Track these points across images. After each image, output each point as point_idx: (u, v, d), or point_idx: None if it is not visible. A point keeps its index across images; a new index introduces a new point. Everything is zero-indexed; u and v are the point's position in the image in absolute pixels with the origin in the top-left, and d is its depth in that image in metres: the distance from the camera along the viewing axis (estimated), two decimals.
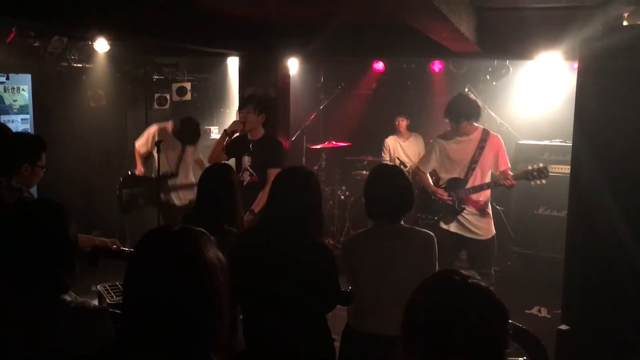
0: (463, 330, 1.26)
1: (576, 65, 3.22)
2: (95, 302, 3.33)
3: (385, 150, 7.10)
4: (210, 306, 1.37)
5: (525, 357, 2.66)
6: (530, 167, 4.34)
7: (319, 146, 7.11)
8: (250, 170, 4.38)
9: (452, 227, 4.35)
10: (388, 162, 6.86)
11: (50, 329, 1.73)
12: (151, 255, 1.40)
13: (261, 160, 4.33)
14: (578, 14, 4.05)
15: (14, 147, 3.08)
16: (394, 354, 1.38)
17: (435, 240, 2.69)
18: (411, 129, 7.05)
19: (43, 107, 6.29)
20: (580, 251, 3.00)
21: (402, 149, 7.04)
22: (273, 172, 3.87)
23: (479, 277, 1.36)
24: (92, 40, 5.85)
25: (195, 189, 5.46)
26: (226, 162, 4.16)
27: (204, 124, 7.44)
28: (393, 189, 2.72)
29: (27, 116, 6.25)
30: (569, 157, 3.19)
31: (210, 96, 7.83)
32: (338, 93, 7.48)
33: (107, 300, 3.42)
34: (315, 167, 7.07)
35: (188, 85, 7.24)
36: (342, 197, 7.12)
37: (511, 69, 6.55)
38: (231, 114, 7.33)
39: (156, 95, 7.19)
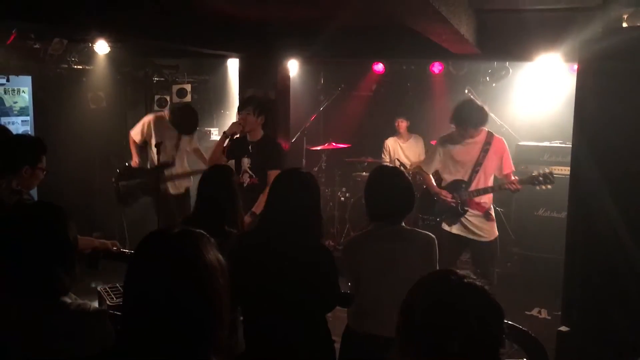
0: (461, 330, 1.26)
1: (576, 66, 3.23)
2: (95, 304, 3.34)
3: (385, 151, 7.10)
4: (210, 308, 1.37)
5: (525, 359, 2.66)
6: (535, 172, 4.33)
7: (319, 148, 7.11)
8: (250, 172, 4.38)
9: (454, 229, 4.34)
10: (388, 164, 6.87)
11: (50, 331, 1.73)
12: (151, 257, 1.40)
13: (261, 162, 4.33)
14: (577, 15, 4.06)
15: (14, 149, 3.08)
16: (389, 355, 1.38)
17: (436, 241, 2.69)
18: (411, 130, 7.06)
19: (43, 109, 6.29)
20: (580, 252, 3.00)
21: (402, 150, 7.04)
22: (273, 174, 3.87)
23: (475, 277, 1.37)
24: (93, 42, 5.86)
25: (191, 177, 5.54)
26: (225, 163, 4.16)
27: (204, 125, 7.45)
28: (394, 190, 2.72)
29: (28, 118, 6.26)
30: (569, 159, 3.19)
31: (210, 98, 7.84)
32: (338, 95, 7.49)
33: (108, 302, 3.42)
34: (316, 169, 7.08)
35: (188, 87, 7.25)
36: (342, 198, 7.13)
37: (511, 70, 6.56)
38: (231, 115, 7.33)
39: (156, 97, 7.19)
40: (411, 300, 1.35)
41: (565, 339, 2.99)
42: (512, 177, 4.30)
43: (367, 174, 6.69)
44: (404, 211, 2.75)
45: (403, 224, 2.76)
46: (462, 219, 4.32)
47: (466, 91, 6.80)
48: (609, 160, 2.86)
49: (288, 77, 6.03)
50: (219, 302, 1.38)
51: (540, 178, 4.26)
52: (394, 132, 7.10)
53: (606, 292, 2.90)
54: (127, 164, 5.57)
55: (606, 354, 2.75)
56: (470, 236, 4.31)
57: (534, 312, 5.11)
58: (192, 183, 5.64)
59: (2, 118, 5.95)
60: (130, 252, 3.00)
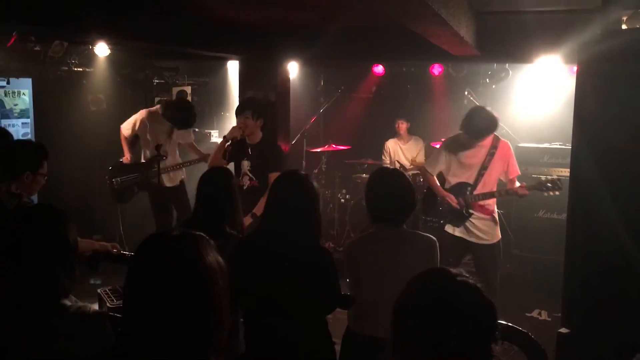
0: (455, 328, 1.27)
1: (575, 68, 3.23)
2: (96, 306, 3.34)
3: (385, 153, 7.11)
4: (210, 309, 1.37)
5: None
6: (544, 178, 4.33)
7: (319, 149, 7.11)
8: (250, 175, 4.38)
9: (457, 232, 4.32)
10: (388, 166, 6.87)
11: (50, 333, 1.74)
12: (151, 259, 1.40)
13: (261, 165, 4.33)
14: (577, 17, 4.06)
15: (16, 154, 3.09)
16: (384, 355, 1.38)
17: (437, 244, 2.69)
18: (411, 132, 7.06)
19: (44, 111, 6.30)
20: (580, 254, 3.01)
21: (402, 151, 7.05)
22: (273, 176, 3.86)
23: (467, 275, 1.37)
24: (93, 44, 5.87)
25: (184, 169, 5.54)
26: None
27: (204, 127, 7.46)
28: (395, 192, 2.71)
29: (28, 120, 6.26)
30: (568, 160, 3.20)
31: (210, 100, 7.84)
32: (338, 96, 7.50)
33: (108, 304, 3.42)
34: (316, 171, 7.08)
35: (188, 89, 7.25)
36: (342, 200, 7.13)
37: (511, 72, 6.57)
38: (231, 117, 7.33)
39: (156, 99, 7.20)
40: (405, 299, 1.36)
41: (565, 340, 2.99)
42: (517, 182, 4.30)
43: (367, 176, 6.74)
44: (405, 213, 2.74)
45: (404, 226, 2.76)
46: (466, 222, 4.31)
47: (466, 93, 6.81)
48: (608, 162, 2.86)
49: (288, 79, 6.04)
50: (218, 303, 1.39)
51: (549, 184, 4.25)
52: (394, 134, 7.10)
53: (606, 294, 2.90)
54: (120, 160, 5.57)
55: (606, 355, 2.75)
56: (473, 239, 4.29)
57: (534, 313, 5.11)
58: (186, 175, 5.68)
59: (2, 120, 5.96)
60: (130, 255, 3.00)
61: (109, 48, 5.96)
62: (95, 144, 6.43)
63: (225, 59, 6.85)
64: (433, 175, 4.45)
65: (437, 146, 5.36)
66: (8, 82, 5.97)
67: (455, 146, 4.34)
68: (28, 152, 3.10)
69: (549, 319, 4.96)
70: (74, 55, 6.24)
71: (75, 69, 6.40)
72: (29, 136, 6.18)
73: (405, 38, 4.35)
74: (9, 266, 1.78)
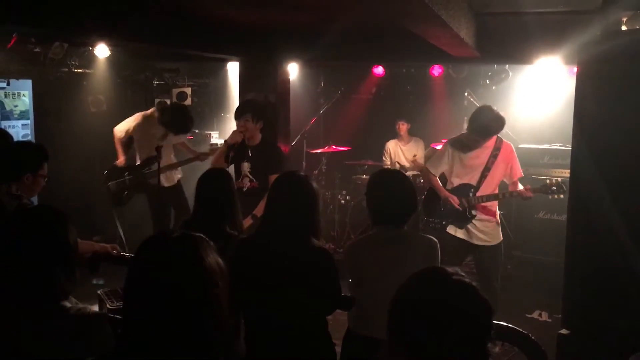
0: (452, 326, 1.27)
1: (575, 69, 3.23)
2: (96, 308, 3.34)
3: (386, 154, 7.11)
4: (210, 311, 1.37)
5: None
6: (548, 182, 4.32)
7: (319, 151, 7.11)
8: (250, 177, 4.38)
9: (459, 233, 4.30)
10: (389, 167, 6.87)
11: (50, 334, 1.73)
12: (151, 260, 1.41)
13: (261, 166, 4.33)
14: (577, 18, 4.06)
15: (16, 156, 3.09)
16: (379, 356, 1.38)
17: (438, 245, 2.69)
18: (411, 133, 7.07)
19: (44, 112, 6.30)
20: (580, 255, 3.00)
21: (402, 152, 7.05)
22: (274, 178, 3.87)
23: (463, 274, 1.37)
24: (93, 45, 5.87)
25: (180, 169, 5.53)
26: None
27: (204, 128, 7.46)
28: (396, 194, 2.71)
29: (28, 122, 6.27)
30: (569, 161, 3.20)
31: (210, 101, 7.85)
32: (338, 98, 7.50)
33: (108, 306, 3.42)
34: (316, 172, 7.08)
35: (188, 90, 7.25)
36: (343, 201, 7.12)
37: (511, 73, 6.57)
38: (232, 119, 7.35)
39: (156, 101, 7.19)
40: (401, 298, 1.36)
41: (565, 341, 2.99)
42: (519, 185, 4.30)
43: (367, 177, 6.74)
44: (407, 215, 2.74)
45: (405, 227, 2.76)
46: (468, 224, 4.29)
47: (466, 94, 6.81)
48: (608, 163, 2.86)
49: (288, 80, 6.04)
50: (218, 305, 1.39)
51: (554, 187, 4.24)
52: (395, 135, 7.10)
53: (607, 295, 2.90)
54: (115, 164, 5.56)
55: (607, 356, 2.75)
56: (475, 241, 4.28)
57: (535, 314, 5.10)
58: (182, 175, 5.69)
59: (2, 122, 5.96)
60: (130, 256, 3.00)
61: (109, 49, 5.96)
62: (95, 145, 6.44)
63: (226, 60, 6.85)
64: (436, 176, 4.43)
65: (438, 147, 5.37)
66: (8, 84, 5.98)
67: (459, 147, 4.32)
68: (28, 154, 3.10)
69: (550, 320, 4.96)
70: (74, 56, 6.25)
71: (76, 70, 6.41)
72: (29, 137, 6.18)
73: (405, 39, 4.36)
74: (8, 267, 1.78)
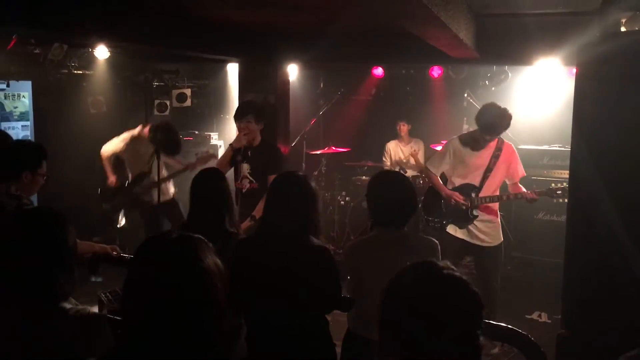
0: (445, 321, 1.27)
1: (574, 70, 3.24)
2: (95, 309, 3.34)
3: (386, 154, 7.11)
4: (209, 311, 1.37)
5: None
6: (553, 185, 4.32)
7: (318, 152, 7.12)
8: (250, 178, 4.38)
9: (459, 233, 4.29)
10: (389, 167, 6.88)
11: (49, 336, 1.73)
12: (150, 262, 1.41)
13: (261, 167, 4.33)
14: (576, 19, 4.06)
15: (15, 154, 3.09)
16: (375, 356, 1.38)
17: (439, 246, 2.69)
18: (411, 134, 7.07)
19: (43, 113, 6.30)
20: (580, 255, 3.00)
21: (403, 153, 7.05)
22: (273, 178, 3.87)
23: (454, 268, 1.37)
24: (92, 47, 5.87)
25: (171, 181, 5.50)
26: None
27: (204, 129, 7.47)
28: (397, 196, 2.71)
29: (28, 123, 6.27)
30: (568, 162, 3.20)
31: (210, 102, 7.85)
32: (338, 99, 7.51)
33: (107, 307, 3.42)
34: (315, 173, 7.08)
35: (188, 92, 7.26)
36: (342, 202, 7.13)
37: (510, 74, 6.58)
38: (231, 120, 7.36)
39: (156, 102, 7.21)
40: (392, 294, 1.36)
41: (565, 342, 2.99)
42: (520, 186, 4.30)
43: (367, 178, 6.75)
44: (407, 216, 2.74)
45: (406, 228, 2.76)
46: (470, 225, 4.28)
47: (465, 95, 6.82)
48: (608, 163, 2.86)
49: (288, 82, 6.04)
50: (217, 306, 1.39)
51: (559, 192, 4.25)
52: (394, 136, 7.11)
53: (606, 295, 2.90)
54: (106, 185, 5.52)
55: (606, 357, 2.75)
56: (475, 241, 4.27)
57: (534, 315, 5.10)
58: (176, 189, 5.63)
59: (2, 123, 5.97)
60: (130, 257, 3.00)
61: (109, 51, 5.96)
62: (95, 147, 6.42)
63: (225, 62, 6.86)
64: (437, 175, 4.41)
65: (439, 147, 5.36)
66: (8, 85, 5.98)
67: (462, 147, 4.30)
68: (27, 152, 3.09)
69: (549, 321, 4.96)
70: (73, 58, 6.26)
71: (75, 71, 6.42)
72: (29, 139, 6.18)
73: (404, 40, 4.36)
74: (8, 268, 1.78)
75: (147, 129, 5.35)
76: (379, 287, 2.62)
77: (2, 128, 5.68)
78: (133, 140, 5.43)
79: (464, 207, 4.24)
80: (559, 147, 6.06)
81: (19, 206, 2.90)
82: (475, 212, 4.25)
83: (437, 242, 2.71)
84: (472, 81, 6.98)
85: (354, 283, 2.76)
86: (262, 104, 5.28)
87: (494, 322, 2.56)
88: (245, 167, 4.41)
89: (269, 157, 4.36)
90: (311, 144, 7.28)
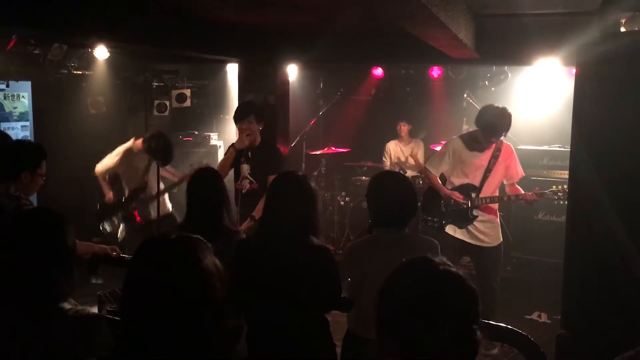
0: (442, 317, 1.27)
1: (574, 70, 3.24)
2: (95, 309, 3.34)
3: (386, 154, 7.11)
4: (208, 312, 1.37)
5: None
6: (554, 187, 4.32)
7: (318, 152, 7.12)
8: (250, 178, 4.37)
9: (458, 233, 4.29)
10: (389, 167, 6.88)
11: (48, 336, 1.73)
12: (150, 262, 1.41)
13: (261, 168, 4.32)
14: (575, 20, 4.06)
15: (14, 154, 3.09)
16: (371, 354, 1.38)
17: (439, 247, 2.69)
18: (411, 134, 7.07)
19: (43, 114, 6.30)
20: (579, 256, 3.00)
21: (402, 153, 7.05)
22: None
23: (450, 264, 1.37)
24: (92, 47, 5.87)
25: (167, 197, 5.46)
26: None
27: (203, 130, 7.47)
28: (398, 196, 2.70)
29: (27, 123, 6.27)
30: (567, 163, 3.20)
31: (210, 102, 7.85)
32: (337, 99, 7.51)
33: (107, 307, 3.42)
34: (315, 173, 7.08)
35: (188, 92, 7.26)
36: (342, 202, 7.13)
37: (510, 74, 6.58)
38: (231, 120, 7.35)
39: (156, 102, 7.21)
40: (388, 292, 1.36)
41: (565, 343, 2.99)
42: (518, 187, 4.29)
43: (367, 178, 6.75)
44: (408, 217, 2.73)
45: (406, 229, 2.75)
46: (469, 225, 4.28)
47: (465, 95, 6.82)
48: (607, 164, 2.86)
49: (287, 82, 6.05)
50: (216, 306, 1.39)
51: (560, 194, 4.26)
52: (394, 136, 7.11)
53: (606, 296, 2.90)
54: (104, 202, 5.50)
55: (606, 358, 2.75)
56: (475, 242, 4.27)
57: (534, 316, 5.11)
58: (172, 205, 5.60)
59: (1, 123, 5.97)
60: (130, 258, 3.00)
61: (109, 51, 5.96)
62: (94, 147, 6.43)
63: (225, 62, 6.86)
64: (436, 176, 4.40)
65: (438, 148, 5.36)
66: (7, 85, 5.98)
67: (461, 147, 4.30)
68: (26, 152, 3.09)
69: (549, 322, 4.96)
70: (73, 58, 6.26)
71: (75, 72, 6.41)
72: (28, 139, 6.18)
73: (404, 40, 4.36)
74: (7, 269, 1.78)
75: (139, 141, 5.33)
76: (379, 287, 2.63)
77: (2, 128, 5.68)
78: (126, 154, 5.40)
79: (464, 207, 4.23)
80: (559, 147, 6.06)
81: (18, 206, 2.90)
82: (475, 213, 4.25)
83: (437, 242, 2.71)
84: (471, 81, 6.99)
85: (353, 283, 2.75)
86: (262, 104, 5.28)
87: (494, 323, 2.56)
88: (245, 168, 4.40)
89: (269, 157, 4.36)
90: (311, 144, 7.28)
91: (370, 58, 5.92)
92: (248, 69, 5.83)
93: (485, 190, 4.24)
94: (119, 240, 5.45)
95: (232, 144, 4.40)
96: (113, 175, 5.50)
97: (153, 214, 5.40)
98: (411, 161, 6.83)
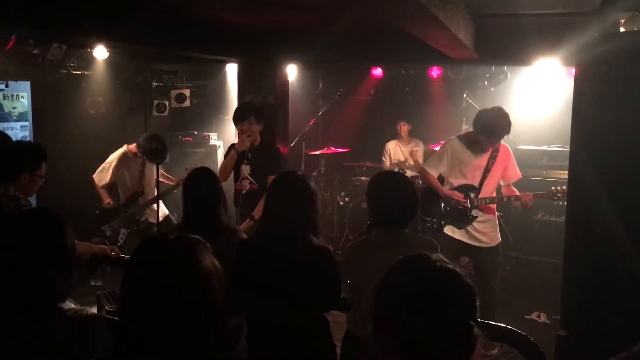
0: (439, 314, 1.27)
1: (573, 70, 3.24)
2: (94, 310, 3.34)
3: (385, 154, 7.11)
4: (207, 312, 1.37)
5: None
6: (553, 188, 4.32)
7: (318, 152, 7.12)
8: (250, 179, 4.37)
9: (457, 234, 4.28)
10: (388, 167, 6.88)
11: (47, 337, 1.73)
12: (148, 262, 1.41)
13: (261, 168, 4.32)
14: (575, 20, 4.07)
15: (14, 155, 3.09)
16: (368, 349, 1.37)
17: (439, 247, 2.69)
18: (411, 134, 7.07)
19: (42, 114, 6.29)
20: (579, 256, 3.00)
21: (402, 153, 7.05)
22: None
23: (446, 260, 1.37)
24: (91, 47, 5.87)
25: (163, 205, 5.47)
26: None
27: (203, 130, 7.46)
28: (399, 196, 2.70)
29: (27, 123, 6.26)
30: (567, 163, 3.20)
31: (209, 103, 7.84)
32: (337, 99, 7.51)
33: (107, 307, 3.42)
34: (315, 173, 7.08)
35: (187, 92, 7.25)
36: (341, 203, 7.13)
37: (509, 74, 6.58)
38: (230, 120, 7.35)
39: (155, 102, 7.20)
40: (385, 290, 1.35)
41: (564, 343, 2.99)
42: (516, 191, 4.30)
43: (366, 179, 6.75)
44: (408, 217, 2.73)
45: (406, 229, 2.75)
46: (468, 225, 4.27)
47: (464, 95, 6.82)
48: (606, 164, 2.86)
49: (287, 82, 6.04)
50: (215, 306, 1.39)
51: (559, 194, 4.26)
52: (393, 136, 7.11)
53: (605, 296, 2.90)
54: (104, 208, 5.53)
55: (605, 358, 2.75)
56: (473, 242, 4.26)
57: (534, 316, 5.11)
58: (168, 211, 5.63)
59: (1, 123, 5.96)
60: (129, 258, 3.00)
61: (108, 51, 5.96)
62: (94, 147, 6.44)
63: (224, 62, 6.86)
64: (434, 176, 4.40)
65: (437, 148, 5.36)
66: (7, 85, 5.97)
67: (460, 147, 4.29)
68: (25, 153, 3.09)
69: (548, 322, 4.96)
70: (72, 58, 6.25)
71: (74, 72, 6.41)
72: (28, 139, 6.17)
73: (404, 41, 4.36)
74: (6, 270, 1.78)
75: (133, 146, 5.39)
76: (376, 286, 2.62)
77: (1, 128, 5.67)
78: (121, 160, 5.46)
79: (464, 207, 4.23)
80: (558, 147, 6.06)
81: (17, 207, 2.90)
82: (474, 213, 4.25)
83: (436, 242, 2.71)
84: (471, 81, 6.99)
85: (353, 283, 2.75)
86: (262, 105, 5.28)
87: (494, 323, 2.56)
88: (246, 168, 4.40)
89: (268, 157, 4.36)
90: (310, 144, 7.28)
91: (369, 58, 5.92)
92: (247, 69, 5.83)
93: (484, 190, 4.24)
94: (121, 244, 5.48)
95: (233, 146, 4.40)
96: (110, 184, 5.54)
97: (150, 217, 5.42)
98: (411, 161, 6.83)
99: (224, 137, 7.44)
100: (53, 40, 5.52)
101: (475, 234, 4.26)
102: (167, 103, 7.21)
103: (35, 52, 5.74)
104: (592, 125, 2.91)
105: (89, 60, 6.40)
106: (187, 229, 1.61)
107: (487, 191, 4.25)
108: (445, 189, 4.31)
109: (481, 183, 4.25)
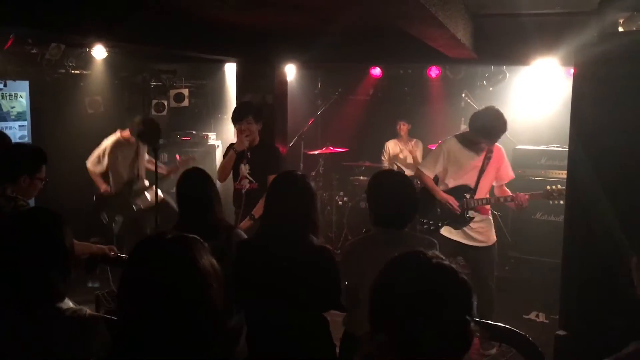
0: (437, 311, 1.27)
1: (572, 70, 3.24)
2: (93, 309, 3.33)
3: (385, 153, 7.11)
4: (205, 312, 1.37)
5: None
6: (548, 187, 4.32)
7: (316, 152, 7.12)
8: (250, 178, 4.37)
9: (454, 235, 4.29)
10: (387, 166, 6.88)
11: (46, 337, 1.73)
12: (145, 262, 1.40)
13: (260, 167, 4.32)
14: (573, 20, 4.07)
15: (14, 157, 3.09)
16: (364, 348, 1.37)
17: (438, 246, 2.69)
18: (410, 134, 7.07)
19: (41, 113, 6.29)
20: (577, 256, 3.01)
21: (401, 153, 7.05)
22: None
23: (443, 257, 1.37)
24: (90, 47, 5.86)
25: (154, 187, 5.50)
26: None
27: (201, 130, 7.46)
28: (399, 195, 2.70)
29: (25, 123, 6.25)
30: (565, 162, 3.20)
31: (208, 102, 7.84)
32: (335, 99, 7.51)
33: (105, 307, 3.42)
34: (313, 173, 7.08)
35: (186, 92, 7.25)
36: (340, 202, 7.13)
37: (508, 74, 6.58)
38: (229, 120, 7.35)
39: (154, 102, 7.20)
40: (382, 287, 1.35)
41: (563, 342, 2.99)
42: (508, 191, 4.30)
43: (365, 178, 6.76)
44: (408, 217, 2.73)
45: (406, 229, 2.75)
46: (465, 226, 4.28)
47: (463, 95, 6.83)
48: (605, 164, 2.86)
49: (285, 82, 6.04)
50: (213, 306, 1.39)
51: (555, 194, 4.26)
52: (392, 136, 7.11)
53: (604, 296, 2.90)
54: (100, 195, 5.56)
55: (604, 358, 2.75)
56: (470, 242, 4.27)
57: (532, 315, 5.11)
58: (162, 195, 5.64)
59: None
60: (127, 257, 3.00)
61: (106, 51, 5.95)
62: (92, 147, 6.41)
63: (223, 62, 6.85)
64: (431, 177, 4.40)
65: (434, 148, 5.36)
66: (5, 85, 5.97)
67: (456, 147, 4.30)
68: (26, 156, 3.09)
69: (547, 321, 4.97)
70: (71, 57, 6.24)
71: (73, 71, 6.40)
72: (26, 139, 6.18)
73: (402, 40, 4.36)
74: (4, 269, 1.77)
75: (126, 132, 5.42)
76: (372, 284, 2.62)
77: (0, 128, 5.67)
78: (114, 147, 5.48)
79: (458, 212, 4.24)
80: (557, 147, 6.06)
81: (15, 207, 2.89)
82: (470, 214, 4.27)
83: (436, 241, 2.71)
84: (469, 81, 6.99)
85: (352, 282, 2.75)
86: (260, 104, 5.28)
87: (492, 322, 2.56)
88: (245, 168, 4.40)
89: (268, 157, 4.36)
90: (309, 144, 7.28)
91: (368, 58, 5.92)
92: (246, 69, 5.83)
93: (479, 191, 4.25)
94: (116, 231, 5.48)
95: (232, 145, 4.40)
96: (104, 172, 5.57)
97: (142, 205, 5.42)
98: (410, 160, 6.83)
99: (222, 136, 7.43)
100: (52, 39, 5.51)
101: (471, 233, 4.27)
102: (165, 103, 7.21)
103: (34, 51, 5.73)
104: (591, 125, 2.91)
105: (88, 60, 6.39)
106: (184, 229, 1.60)
107: (483, 192, 4.27)
108: (442, 193, 4.30)
109: (477, 183, 4.25)
